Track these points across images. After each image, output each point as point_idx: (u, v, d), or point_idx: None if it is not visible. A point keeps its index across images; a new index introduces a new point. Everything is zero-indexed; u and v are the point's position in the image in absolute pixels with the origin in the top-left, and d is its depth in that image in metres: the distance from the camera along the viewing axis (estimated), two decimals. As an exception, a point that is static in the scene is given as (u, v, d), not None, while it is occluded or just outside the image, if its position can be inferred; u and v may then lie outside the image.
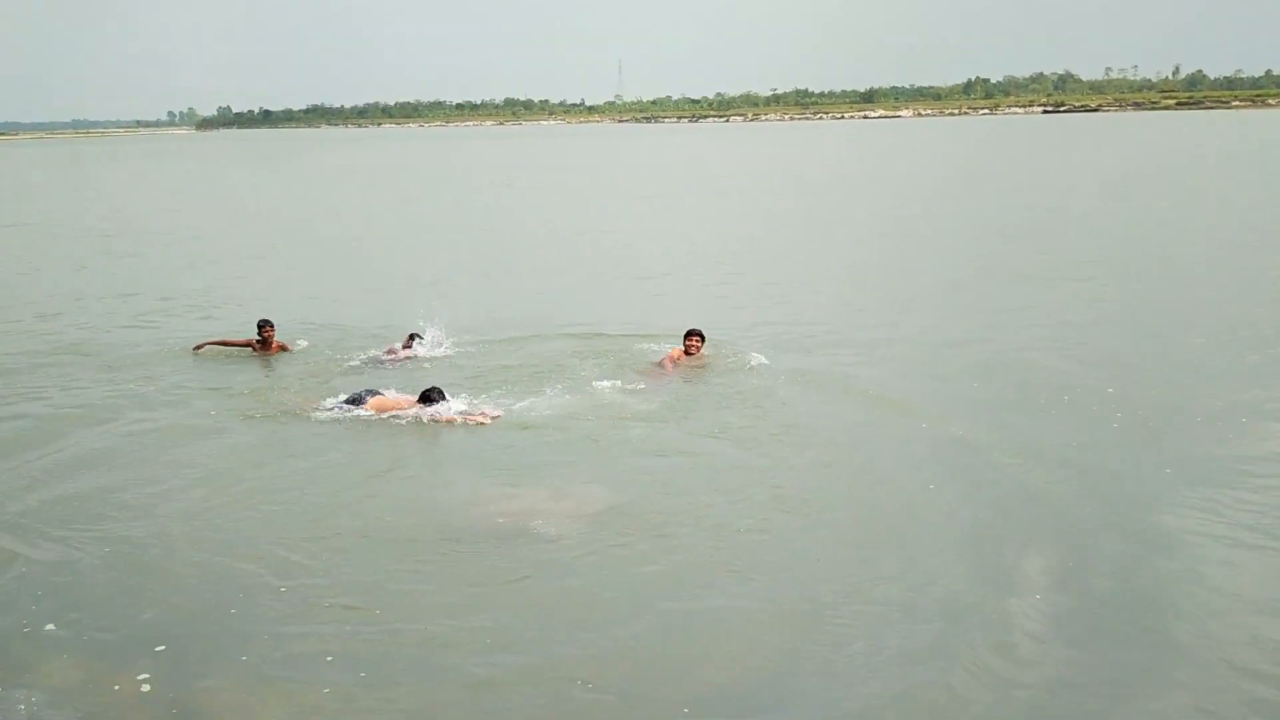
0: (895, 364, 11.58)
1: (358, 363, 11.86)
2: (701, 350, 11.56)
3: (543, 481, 7.95)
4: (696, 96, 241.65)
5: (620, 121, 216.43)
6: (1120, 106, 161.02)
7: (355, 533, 7.12)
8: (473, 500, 7.69)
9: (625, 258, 20.73)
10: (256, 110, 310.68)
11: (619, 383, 10.65)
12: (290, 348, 12.52)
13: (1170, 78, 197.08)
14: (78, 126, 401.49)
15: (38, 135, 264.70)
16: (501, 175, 51.80)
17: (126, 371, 11.61)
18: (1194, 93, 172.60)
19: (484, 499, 7.67)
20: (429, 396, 9.56)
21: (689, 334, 11.60)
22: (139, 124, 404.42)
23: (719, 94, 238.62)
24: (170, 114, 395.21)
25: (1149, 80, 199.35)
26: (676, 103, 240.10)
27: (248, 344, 12.33)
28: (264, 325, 12.27)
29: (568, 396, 10.15)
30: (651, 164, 61.77)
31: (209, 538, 7.07)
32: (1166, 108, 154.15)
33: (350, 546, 6.89)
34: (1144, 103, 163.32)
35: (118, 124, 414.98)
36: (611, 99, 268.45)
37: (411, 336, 12.08)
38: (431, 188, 44.50)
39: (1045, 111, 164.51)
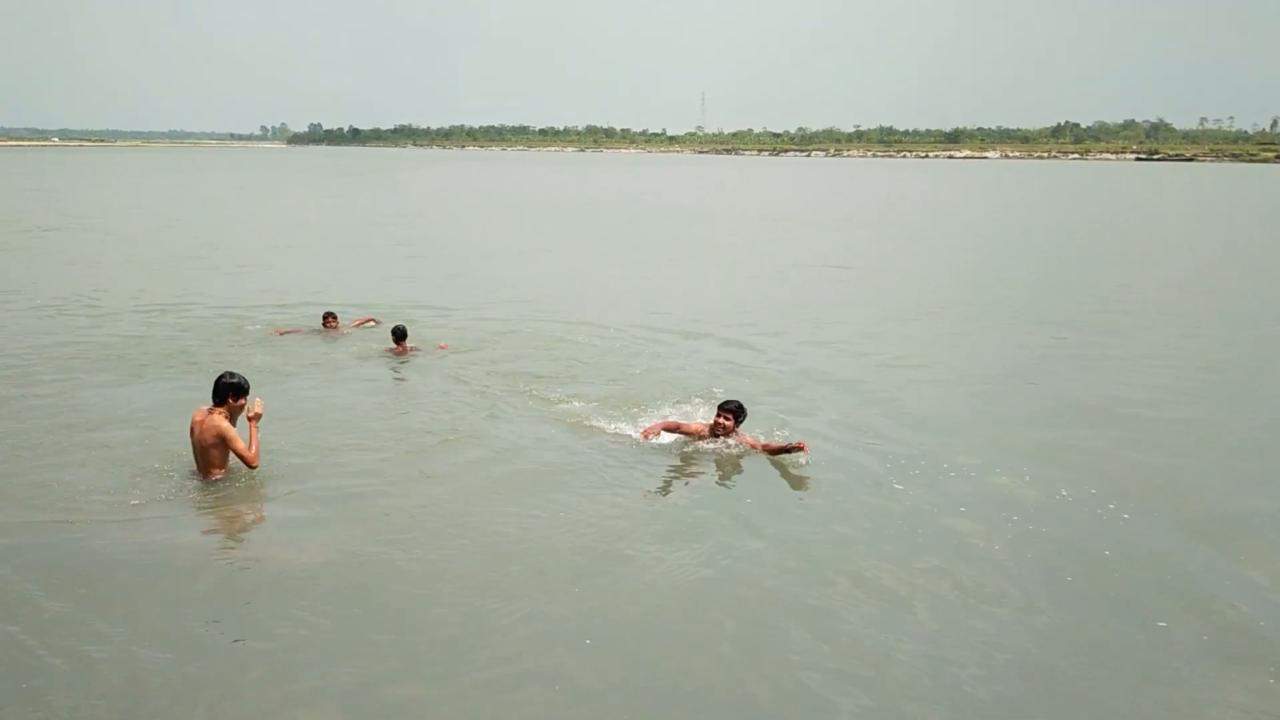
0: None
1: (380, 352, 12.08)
2: (736, 431, 8.38)
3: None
4: (778, 130, 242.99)
5: (700, 153, 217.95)
6: (1217, 157, 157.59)
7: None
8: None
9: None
10: (346, 128, 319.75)
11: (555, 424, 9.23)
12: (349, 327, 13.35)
13: (1268, 130, 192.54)
14: (173, 136, 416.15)
15: (134, 144, 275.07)
16: (615, 199, 52.69)
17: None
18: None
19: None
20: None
21: (721, 408, 8.46)
22: (232, 136, 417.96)
23: (800, 128, 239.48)
24: (263, 128, 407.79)
25: (1244, 132, 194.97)
26: (758, 136, 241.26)
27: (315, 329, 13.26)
28: (328, 317, 13.24)
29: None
30: (793, 196, 62.05)
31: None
32: (1265, 160, 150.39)
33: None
34: (1241, 154, 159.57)
35: (212, 135, 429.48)
36: (693, 130, 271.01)
37: (394, 333, 12.09)
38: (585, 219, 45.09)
39: (1138, 159, 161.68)
